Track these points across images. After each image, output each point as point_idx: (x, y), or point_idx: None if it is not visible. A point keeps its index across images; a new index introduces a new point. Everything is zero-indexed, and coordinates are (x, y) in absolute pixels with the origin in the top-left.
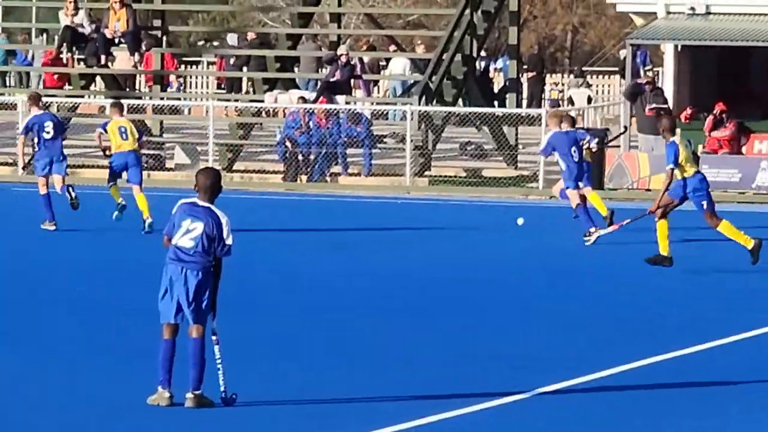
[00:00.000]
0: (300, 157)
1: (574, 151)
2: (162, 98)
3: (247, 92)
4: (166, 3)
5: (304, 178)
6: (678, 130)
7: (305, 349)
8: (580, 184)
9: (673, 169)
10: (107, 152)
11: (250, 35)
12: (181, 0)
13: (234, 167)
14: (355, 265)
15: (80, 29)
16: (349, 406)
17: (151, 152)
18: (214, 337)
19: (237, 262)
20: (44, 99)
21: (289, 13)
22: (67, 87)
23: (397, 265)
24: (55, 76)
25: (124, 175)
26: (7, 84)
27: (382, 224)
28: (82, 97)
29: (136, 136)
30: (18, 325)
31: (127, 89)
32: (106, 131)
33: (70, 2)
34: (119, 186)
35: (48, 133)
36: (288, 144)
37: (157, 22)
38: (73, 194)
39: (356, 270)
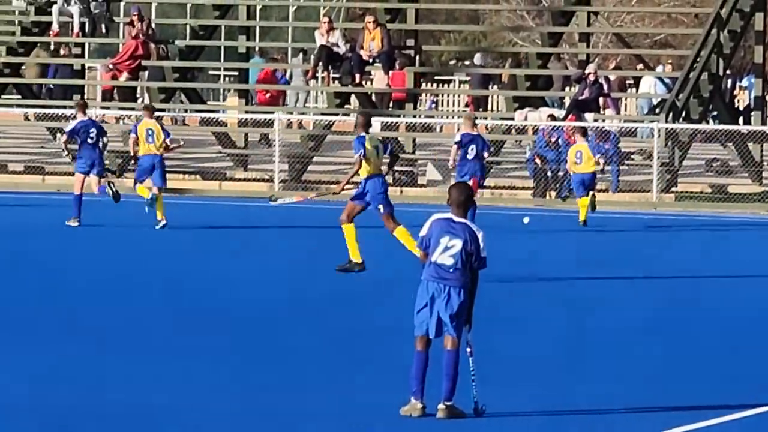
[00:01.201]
0: (549, 174)
1: (472, 150)
2: (415, 116)
3: (497, 110)
4: (419, 23)
5: (552, 194)
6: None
7: (556, 361)
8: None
9: (361, 159)
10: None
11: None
12: (434, 20)
13: (484, 183)
14: (604, 281)
15: (335, 48)
16: (613, 417)
17: (404, 169)
18: (468, 349)
19: (490, 277)
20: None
21: (539, 33)
22: (320, 104)
23: (644, 279)
24: (267, 95)
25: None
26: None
27: (630, 239)
28: (337, 115)
29: (162, 139)
30: (266, 342)
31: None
32: (137, 134)
33: (326, 22)
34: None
35: (91, 138)
36: (537, 161)
37: (410, 42)
38: (114, 189)
39: (605, 285)
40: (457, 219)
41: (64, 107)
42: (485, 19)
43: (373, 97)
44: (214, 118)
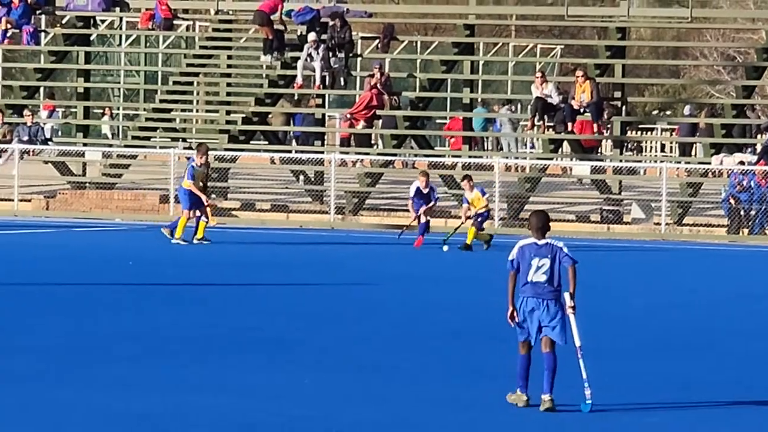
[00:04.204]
0: (742, 213)
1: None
2: (621, 161)
3: (695, 155)
4: (625, 77)
5: (745, 231)
6: None
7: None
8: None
9: None
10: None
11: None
12: (639, 74)
13: (683, 221)
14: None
15: (549, 100)
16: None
17: (611, 208)
18: (579, 353)
19: (677, 304)
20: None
21: (733, 86)
22: (536, 150)
23: None
24: (452, 139)
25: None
26: (485, 148)
27: None
28: (551, 159)
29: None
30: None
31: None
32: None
33: (540, 76)
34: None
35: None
36: (732, 201)
37: (617, 94)
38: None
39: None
40: (540, 242)
41: (308, 152)
42: (685, 73)
43: (584, 144)
44: (440, 162)
